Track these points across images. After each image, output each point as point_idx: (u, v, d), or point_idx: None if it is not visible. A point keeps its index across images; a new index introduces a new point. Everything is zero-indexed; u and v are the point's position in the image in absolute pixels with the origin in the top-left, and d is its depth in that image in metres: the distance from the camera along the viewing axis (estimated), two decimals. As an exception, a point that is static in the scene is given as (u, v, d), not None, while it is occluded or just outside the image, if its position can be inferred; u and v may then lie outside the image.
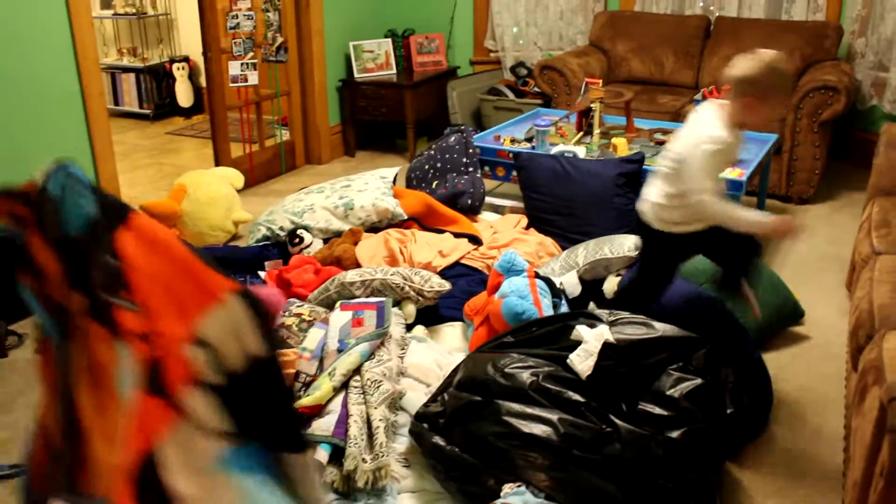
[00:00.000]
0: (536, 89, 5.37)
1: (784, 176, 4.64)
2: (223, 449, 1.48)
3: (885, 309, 2.49)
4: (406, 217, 3.65)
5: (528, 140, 4.11)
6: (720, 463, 2.42)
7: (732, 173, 3.58)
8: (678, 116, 4.69)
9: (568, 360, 2.38)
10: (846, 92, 4.45)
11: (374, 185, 3.79)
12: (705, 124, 2.52)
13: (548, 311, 2.82)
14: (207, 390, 1.46)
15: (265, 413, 1.52)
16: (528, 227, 3.71)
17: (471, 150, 4.01)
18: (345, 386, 2.49)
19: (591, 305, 3.07)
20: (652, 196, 2.63)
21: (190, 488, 1.44)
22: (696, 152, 2.45)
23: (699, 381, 2.27)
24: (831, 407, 2.79)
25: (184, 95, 7.08)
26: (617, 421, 2.17)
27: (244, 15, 4.94)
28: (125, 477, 1.40)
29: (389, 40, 5.79)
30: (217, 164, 4.93)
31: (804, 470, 2.48)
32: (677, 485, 2.12)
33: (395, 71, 5.73)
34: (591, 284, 3.16)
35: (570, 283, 3.14)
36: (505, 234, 3.56)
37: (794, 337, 3.24)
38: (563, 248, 3.45)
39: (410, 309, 2.94)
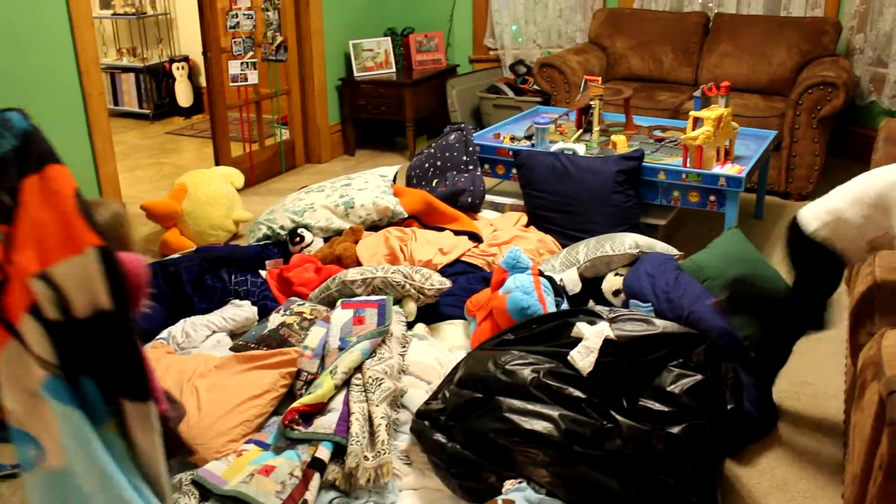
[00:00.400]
0: (536, 87, 5.38)
1: (783, 172, 4.65)
2: (47, 377, 1.62)
3: (883, 305, 2.50)
4: (406, 215, 3.66)
5: (528, 138, 4.12)
6: (721, 459, 2.42)
7: (732, 170, 3.59)
8: (677, 113, 4.70)
9: (569, 357, 2.38)
10: (845, 88, 4.46)
11: (374, 183, 3.80)
12: None
13: (551, 308, 2.83)
14: (42, 322, 1.61)
15: (104, 359, 1.65)
16: (528, 225, 3.72)
17: (471, 149, 4.01)
18: (346, 384, 2.51)
19: (591, 303, 3.08)
20: None
21: (12, 404, 1.63)
22: None
23: (699, 377, 2.28)
24: (831, 402, 2.79)
25: (183, 95, 7.09)
26: (618, 417, 2.18)
27: (244, 14, 4.95)
28: None
29: (389, 39, 5.79)
30: (217, 163, 4.94)
31: (804, 465, 2.49)
32: (678, 480, 2.12)
33: (394, 69, 5.73)
34: (592, 282, 3.17)
35: (571, 280, 3.15)
36: (505, 231, 3.57)
37: (794, 333, 3.24)
38: (564, 246, 3.46)
39: (411, 307, 2.95)
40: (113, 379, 1.66)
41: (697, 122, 3.66)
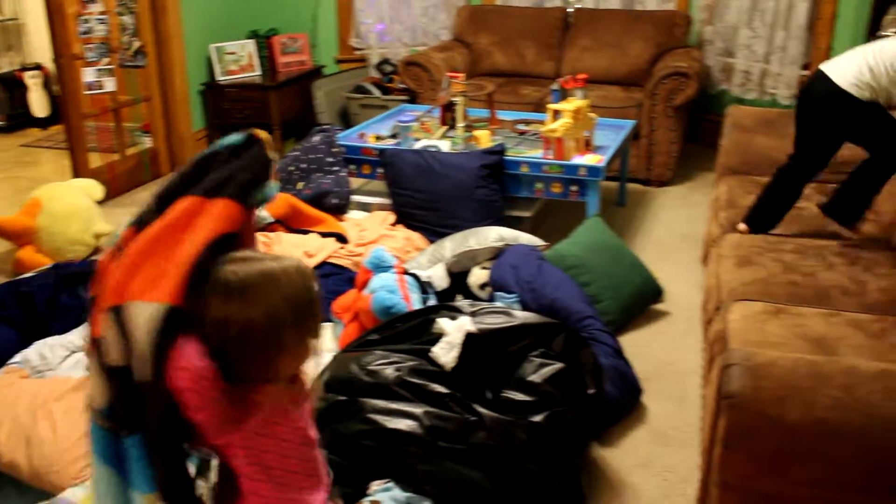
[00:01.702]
0: (402, 85, 5.38)
1: (644, 160, 4.81)
2: (91, 420, 1.44)
3: (730, 283, 2.63)
4: (271, 220, 3.59)
5: (393, 136, 4.12)
6: (586, 442, 2.49)
7: (592, 160, 3.69)
8: (540, 107, 4.78)
9: (431, 353, 2.39)
10: (697, 77, 4.65)
11: (237, 189, 3.72)
12: None
13: (417, 306, 2.84)
14: (99, 360, 1.39)
15: (146, 437, 1.41)
16: (395, 223, 3.72)
17: (335, 150, 3.98)
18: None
19: (460, 297, 3.11)
20: None
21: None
22: None
23: (560, 365, 2.33)
24: (691, 378, 2.91)
25: (38, 105, 6.76)
26: (481, 410, 2.20)
27: (96, 19, 4.76)
28: None
29: (252, 41, 5.68)
30: (76, 175, 4.73)
31: (667, 441, 2.59)
32: (542, 467, 2.17)
33: (259, 72, 5.63)
34: (460, 277, 3.20)
35: (438, 276, 3.17)
36: (372, 231, 3.56)
37: (655, 314, 3.36)
38: (431, 242, 3.48)
39: (277, 313, 2.90)
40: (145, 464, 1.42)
41: (557, 114, 3.74)
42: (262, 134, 1.50)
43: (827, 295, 2.54)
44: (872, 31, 4.41)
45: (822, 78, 2.87)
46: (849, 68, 2.82)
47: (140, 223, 1.43)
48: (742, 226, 3.07)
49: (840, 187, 3.02)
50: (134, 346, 1.35)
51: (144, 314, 1.33)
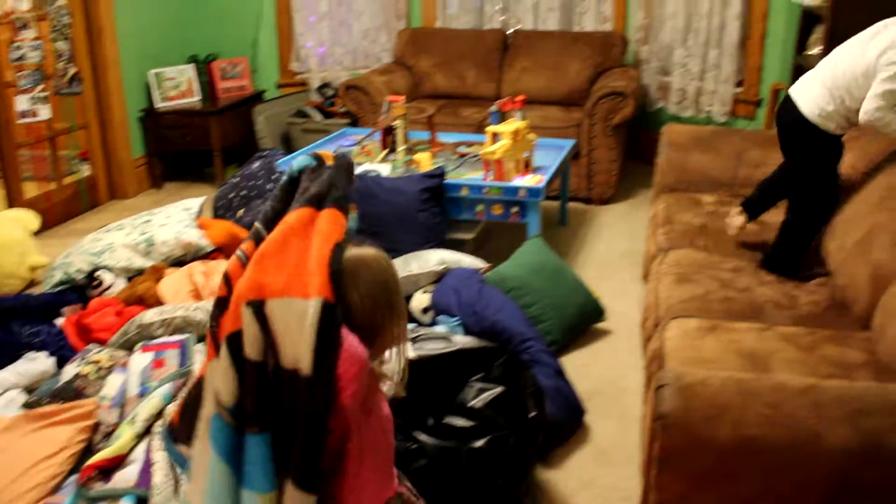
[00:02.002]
0: (343, 109, 5.38)
1: (584, 179, 4.87)
2: (214, 415, 1.47)
3: (668, 300, 2.67)
4: (212, 248, 3.56)
5: (334, 161, 4.10)
6: (529, 465, 2.49)
7: (531, 180, 3.72)
8: (481, 128, 4.81)
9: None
10: (633, 96, 4.73)
11: (177, 217, 3.68)
12: None
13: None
14: (234, 355, 1.44)
15: (286, 425, 1.45)
16: (338, 249, 3.70)
17: (275, 176, 3.96)
18: (148, 432, 2.40)
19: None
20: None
21: (199, 426, 1.53)
22: None
23: (500, 389, 2.34)
24: (632, 396, 2.94)
25: (-27, 135, 6.61)
26: (422, 437, 2.20)
27: (30, 45, 4.68)
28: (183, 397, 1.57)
29: (191, 66, 5.64)
30: (10, 206, 4.63)
31: (609, 460, 2.60)
32: (484, 492, 2.17)
33: (199, 98, 5.58)
34: (402, 301, 3.19)
35: (381, 302, 3.15)
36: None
37: (597, 333, 3.39)
38: (374, 267, 3.46)
39: (217, 343, 2.87)
40: (287, 449, 1.45)
41: (496, 136, 3.77)
42: (326, 154, 1.67)
43: (760, 310, 2.59)
44: (800, 50, 4.54)
45: (789, 103, 2.89)
46: (811, 97, 2.82)
47: (257, 239, 1.55)
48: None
49: (774, 242, 3.01)
50: (286, 342, 1.42)
51: (302, 310, 1.40)
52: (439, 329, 2.76)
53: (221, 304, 1.51)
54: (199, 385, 1.58)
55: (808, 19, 4.50)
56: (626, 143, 5.19)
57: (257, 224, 1.59)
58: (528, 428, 2.37)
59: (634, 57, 5.52)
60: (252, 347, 1.43)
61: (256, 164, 4.04)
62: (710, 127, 4.59)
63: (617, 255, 4.19)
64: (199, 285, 3.24)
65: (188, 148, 5.44)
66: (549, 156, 4.16)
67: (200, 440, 1.53)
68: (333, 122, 5.34)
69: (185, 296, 3.21)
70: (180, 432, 1.65)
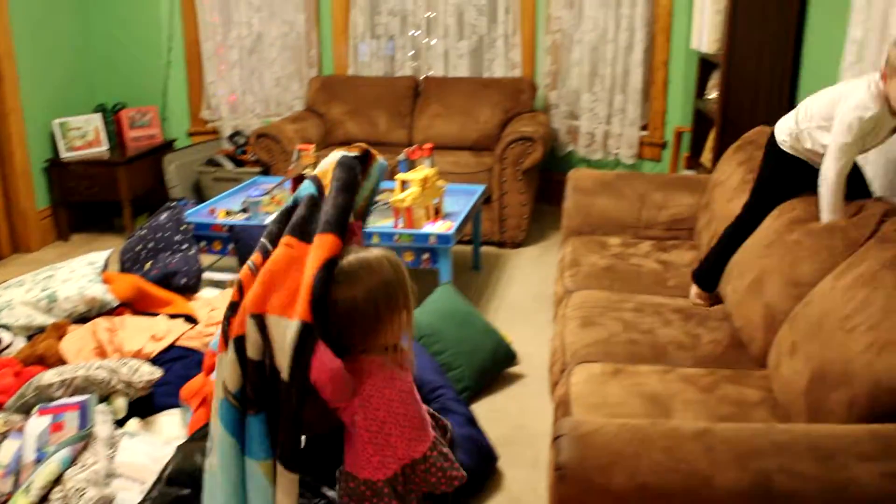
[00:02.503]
0: (255, 157, 5.35)
1: (496, 223, 4.93)
2: (222, 399, 1.85)
3: (573, 345, 2.71)
4: (117, 303, 3.47)
5: (244, 211, 4.07)
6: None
7: (441, 227, 3.75)
8: (392, 175, 4.85)
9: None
10: (542, 141, 4.84)
11: (80, 272, 3.58)
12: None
13: (267, 386, 2.79)
14: (239, 354, 1.80)
15: (276, 412, 1.82)
16: (248, 300, 3.65)
17: (183, 227, 3.90)
18: (45, 500, 2.31)
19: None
20: None
21: (213, 404, 1.89)
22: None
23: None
24: (544, 441, 2.95)
25: None
26: (329, 493, 2.18)
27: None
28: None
29: (99, 115, 5.53)
30: None
31: (520, 507, 2.61)
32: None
33: (106, 147, 5.48)
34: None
35: (291, 354, 3.12)
36: (223, 309, 3.47)
37: (510, 378, 3.42)
38: (285, 318, 3.43)
39: (120, 403, 2.79)
40: (275, 433, 1.83)
41: (405, 184, 3.80)
42: (324, 179, 1.95)
43: (664, 351, 2.65)
44: (700, 95, 4.72)
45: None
46: (786, 123, 2.85)
47: (265, 252, 1.89)
48: None
49: (708, 252, 3.08)
50: (276, 351, 1.78)
51: (286, 329, 1.76)
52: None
53: (234, 307, 1.86)
54: None
55: (706, 66, 4.69)
56: (538, 186, 5.29)
57: (263, 240, 1.91)
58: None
59: (544, 102, 5.66)
60: (253, 350, 1.80)
61: (164, 216, 3.97)
62: (615, 171, 4.72)
63: (530, 297, 4.24)
64: (103, 342, 3.15)
65: (96, 198, 5.32)
66: (460, 202, 4.21)
67: (214, 420, 1.88)
68: (245, 171, 5.30)
69: (88, 353, 3.12)
70: None
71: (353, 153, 1.99)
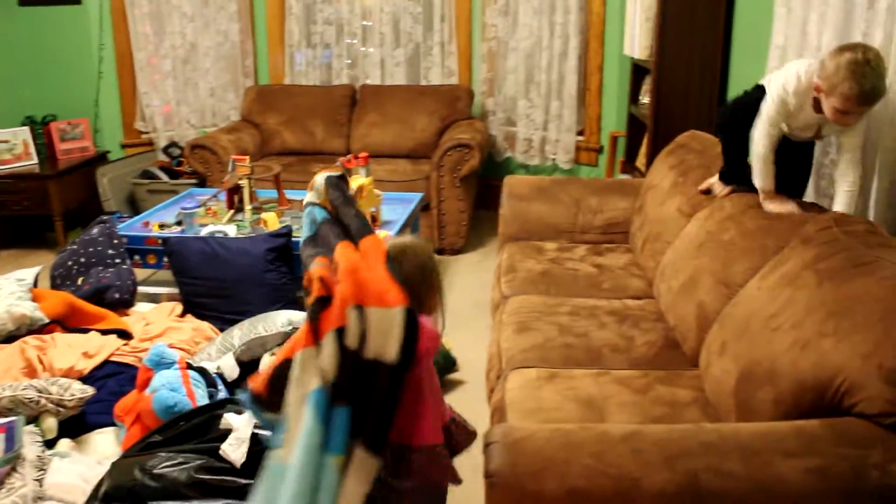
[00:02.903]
0: (191, 169, 5.28)
1: (436, 230, 4.94)
2: (319, 387, 1.84)
3: (509, 351, 2.72)
4: (48, 321, 3.39)
5: (179, 223, 4.02)
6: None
7: (380, 235, 3.74)
8: (331, 184, 4.84)
9: (221, 451, 2.35)
10: (479, 148, 4.86)
11: (8, 289, 3.49)
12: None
13: (203, 402, 2.75)
14: (339, 344, 1.83)
15: (366, 400, 1.86)
16: (183, 314, 3.60)
17: (116, 241, 3.83)
18: (-29, 525, 2.25)
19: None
20: None
21: (291, 397, 1.86)
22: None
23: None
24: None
25: None
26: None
27: None
28: (269, 372, 1.97)
29: (27, 128, 5.40)
30: None
31: (461, 514, 2.61)
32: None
33: (36, 161, 5.35)
34: (250, 365, 3.13)
35: (228, 366, 3.09)
36: (158, 324, 3.43)
37: (451, 384, 3.43)
38: (222, 331, 3.40)
39: (50, 423, 2.73)
40: (362, 420, 1.86)
41: (342, 193, 3.78)
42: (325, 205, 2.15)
43: (599, 354, 2.68)
44: (634, 100, 4.80)
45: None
46: None
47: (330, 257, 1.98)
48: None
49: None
50: (378, 338, 1.86)
51: (391, 316, 1.85)
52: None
53: (324, 302, 1.89)
54: (285, 365, 1.90)
55: (639, 71, 4.77)
56: (477, 193, 5.32)
57: (309, 255, 2.04)
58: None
59: (481, 109, 5.69)
60: (352, 339, 1.85)
61: (96, 230, 3.90)
62: (550, 177, 4.76)
63: (469, 304, 4.26)
64: (32, 361, 3.07)
65: (26, 213, 5.20)
66: (398, 210, 4.21)
67: (295, 407, 1.86)
68: (181, 183, 5.22)
69: (16, 373, 3.04)
70: (270, 403, 1.94)
71: (337, 172, 2.22)
